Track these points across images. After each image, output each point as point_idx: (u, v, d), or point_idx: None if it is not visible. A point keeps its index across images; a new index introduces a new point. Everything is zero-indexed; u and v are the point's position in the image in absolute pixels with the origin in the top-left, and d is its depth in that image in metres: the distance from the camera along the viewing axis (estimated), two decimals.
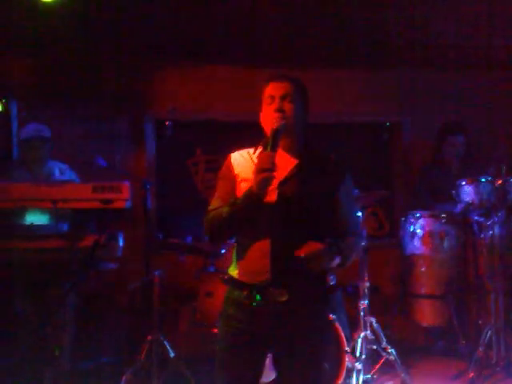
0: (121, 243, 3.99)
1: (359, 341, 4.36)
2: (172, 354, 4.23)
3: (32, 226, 3.89)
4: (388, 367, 4.46)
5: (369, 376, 4.31)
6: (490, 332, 4.42)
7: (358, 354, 4.30)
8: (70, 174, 4.69)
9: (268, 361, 2.53)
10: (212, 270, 4.47)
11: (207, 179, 5.76)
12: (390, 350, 4.41)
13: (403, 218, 5.13)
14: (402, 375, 4.39)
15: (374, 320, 4.46)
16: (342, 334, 4.00)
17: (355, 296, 4.51)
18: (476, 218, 4.60)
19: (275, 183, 2.39)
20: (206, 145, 5.78)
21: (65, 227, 3.94)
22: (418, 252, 4.95)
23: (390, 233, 5.97)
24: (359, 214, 4.23)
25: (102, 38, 5.29)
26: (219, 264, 4.44)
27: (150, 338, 4.21)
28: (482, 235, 4.58)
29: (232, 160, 2.58)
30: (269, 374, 2.62)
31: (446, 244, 4.89)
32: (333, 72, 5.77)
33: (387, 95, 5.89)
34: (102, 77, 5.45)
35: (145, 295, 4.32)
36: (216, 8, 5.13)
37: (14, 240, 3.78)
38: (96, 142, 5.38)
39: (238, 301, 2.48)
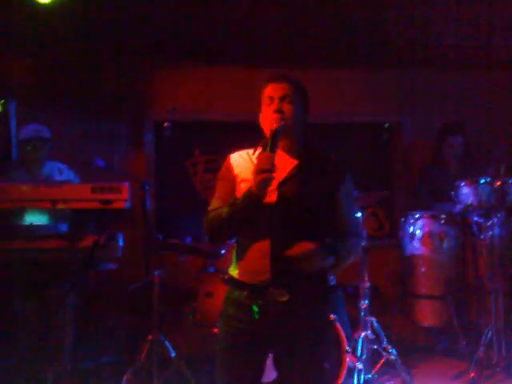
0: (120, 244, 4.00)
1: (360, 341, 4.37)
2: (172, 354, 4.24)
3: (31, 227, 3.90)
4: (388, 367, 4.46)
5: (369, 376, 4.31)
6: (490, 332, 4.42)
7: (358, 354, 4.31)
8: (69, 175, 4.69)
9: (269, 361, 2.54)
10: (212, 270, 4.47)
11: (206, 180, 5.76)
12: (390, 350, 4.41)
13: (403, 219, 5.13)
14: (403, 375, 4.39)
15: (374, 320, 4.46)
16: (343, 334, 4.00)
17: (355, 296, 4.51)
18: (475, 218, 4.59)
19: (275, 184, 2.39)
20: (204, 145, 5.79)
21: (64, 228, 3.95)
22: (417, 253, 4.95)
23: (390, 233, 5.96)
24: (359, 214, 4.23)
25: (101, 39, 5.29)
26: (219, 264, 4.44)
27: (150, 337, 4.21)
28: (482, 236, 4.57)
29: (231, 161, 2.58)
30: (269, 374, 2.62)
31: (445, 245, 4.89)
32: (333, 72, 5.78)
33: (387, 95, 5.89)
34: (102, 77, 5.47)
35: (145, 295, 4.32)
36: (216, 8, 5.12)
37: (13, 240, 3.78)
38: (95, 143, 5.39)
39: (238, 301, 2.48)
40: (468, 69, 5.90)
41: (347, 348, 4.01)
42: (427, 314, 4.96)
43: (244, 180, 2.48)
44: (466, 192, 4.57)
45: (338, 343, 3.98)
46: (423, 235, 4.92)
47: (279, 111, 2.46)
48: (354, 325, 4.42)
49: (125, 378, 4.13)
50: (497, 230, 4.46)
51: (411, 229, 4.97)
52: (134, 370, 4.16)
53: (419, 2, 5.33)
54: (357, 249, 2.64)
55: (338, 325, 3.96)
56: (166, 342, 4.24)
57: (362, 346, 4.35)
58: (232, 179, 2.53)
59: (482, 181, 4.49)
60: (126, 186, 3.70)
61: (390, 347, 4.42)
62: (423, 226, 4.94)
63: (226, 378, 2.50)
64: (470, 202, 4.54)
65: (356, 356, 4.24)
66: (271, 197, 2.40)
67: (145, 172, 5.47)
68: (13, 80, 5.27)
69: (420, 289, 4.94)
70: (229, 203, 2.43)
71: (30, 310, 4.12)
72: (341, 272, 2.79)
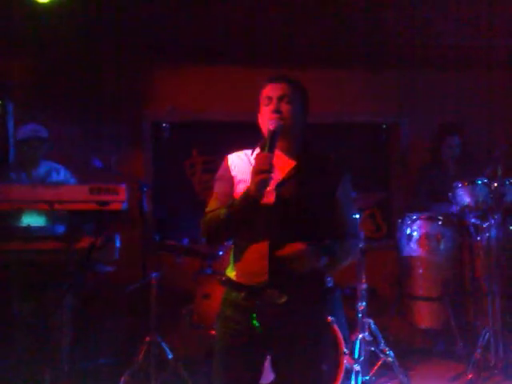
0: (117, 245, 4.00)
1: (357, 343, 4.37)
2: (170, 356, 4.25)
3: (29, 228, 3.90)
4: (386, 369, 4.48)
5: (367, 378, 4.32)
6: (487, 334, 4.43)
7: (356, 356, 4.31)
8: (65, 175, 4.69)
9: (266, 362, 2.54)
10: (209, 272, 4.47)
11: (204, 180, 5.76)
12: (387, 352, 4.42)
13: (400, 220, 5.13)
14: (400, 377, 4.40)
15: (371, 322, 4.46)
16: (340, 336, 4.00)
17: (353, 298, 4.51)
18: (472, 220, 4.60)
19: (273, 185, 2.39)
20: (203, 146, 5.78)
21: (61, 229, 3.95)
22: (414, 254, 4.96)
23: (388, 235, 5.96)
24: (357, 215, 4.23)
25: (101, 39, 5.28)
26: (216, 266, 4.45)
27: (147, 339, 4.22)
28: (479, 237, 4.58)
29: (229, 161, 2.58)
30: (267, 376, 2.62)
31: (442, 246, 4.89)
32: (332, 72, 5.77)
33: (387, 95, 5.89)
34: (101, 77, 5.46)
35: (142, 297, 4.32)
36: (216, 8, 5.11)
37: (10, 242, 3.78)
38: (94, 143, 5.38)
39: (235, 302, 2.48)
40: (468, 69, 5.90)
41: (345, 350, 4.01)
42: (424, 316, 4.97)
43: (242, 181, 2.47)
44: (463, 193, 4.57)
45: (336, 345, 3.98)
46: (420, 236, 4.93)
47: (277, 111, 2.45)
48: (352, 326, 4.42)
49: (122, 379, 4.15)
50: (494, 232, 4.46)
51: (408, 230, 4.99)
52: (131, 372, 4.18)
53: (419, 1, 5.32)
54: (355, 250, 2.64)
55: (336, 326, 3.96)
56: (163, 344, 4.26)
57: (359, 348, 4.37)
58: (230, 180, 2.53)
59: (479, 182, 4.49)
60: (123, 187, 3.69)
61: (387, 349, 4.44)
62: (420, 227, 4.95)
63: (223, 379, 2.50)
64: (466, 203, 4.54)
65: (353, 358, 4.25)
66: (269, 198, 2.40)
67: (143, 173, 5.46)
68: (12, 80, 5.26)
69: (417, 290, 4.95)
70: (227, 204, 2.42)
71: (27, 311, 4.12)
72: (338, 273, 2.79)
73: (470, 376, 4.35)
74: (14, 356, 4.08)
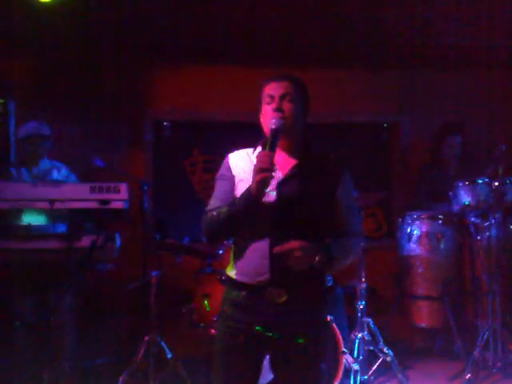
0: (118, 244, 3.99)
1: (356, 342, 4.37)
2: (169, 355, 4.25)
3: (29, 227, 3.90)
4: (385, 368, 4.48)
5: (366, 377, 4.32)
6: (486, 333, 4.43)
7: (355, 355, 4.31)
8: (68, 174, 4.69)
9: (265, 362, 2.54)
10: (209, 271, 4.47)
11: (205, 180, 5.77)
12: (386, 351, 4.42)
13: (400, 219, 5.13)
14: (399, 376, 4.40)
15: (371, 321, 4.47)
16: (339, 335, 4.01)
17: (352, 297, 4.52)
18: (473, 219, 4.60)
19: (274, 183, 2.39)
20: (203, 145, 5.79)
21: (62, 228, 3.94)
22: (414, 253, 4.95)
23: (388, 234, 5.97)
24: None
25: (101, 39, 5.28)
26: (216, 265, 4.45)
27: (147, 338, 4.22)
28: (479, 237, 4.58)
29: (230, 160, 2.57)
30: (266, 376, 2.62)
31: (442, 245, 4.89)
32: (333, 72, 5.77)
33: (387, 95, 5.89)
34: (101, 77, 5.46)
35: (143, 296, 4.32)
36: (216, 8, 5.11)
37: (11, 240, 3.78)
38: (94, 143, 5.39)
39: (235, 301, 2.47)
40: (468, 69, 5.90)
41: (344, 349, 4.02)
42: (424, 315, 4.96)
43: (243, 180, 2.47)
44: (463, 192, 4.57)
45: (335, 344, 3.99)
46: (420, 236, 4.92)
47: (279, 110, 2.45)
48: (351, 325, 4.43)
49: (121, 378, 4.14)
50: (494, 231, 4.47)
51: (409, 229, 4.98)
52: (130, 371, 4.17)
53: (419, 1, 5.32)
54: (356, 249, 2.60)
55: (335, 326, 3.97)
56: (163, 343, 4.25)
57: (358, 347, 4.37)
58: (231, 179, 2.52)
59: (480, 181, 4.49)
60: (124, 186, 3.70)
61: (386, 348, 4.43)
62: (420, 226, 4.95)
63: (222, 378, 2.49)
64: (467, 203, 4.55)
65: (353, 357, 4.24)
66: (270, 196, 2.39)
67: (143, 172, 5.47)
68: (12, 80, 5.27)
69: (417, 289, 4.94)
70: (227, 203, 2.42)
71: (27, 310, 4.13)
72: (338, 272, 2.79)
73: (468, 375, 4.34)
74: (14, 354, 4.08)
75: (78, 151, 5.25)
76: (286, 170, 2.47)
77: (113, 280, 4.71)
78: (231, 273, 2.53)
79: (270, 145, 2.35)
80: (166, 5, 5.05)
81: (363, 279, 4.46)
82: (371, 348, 4.42)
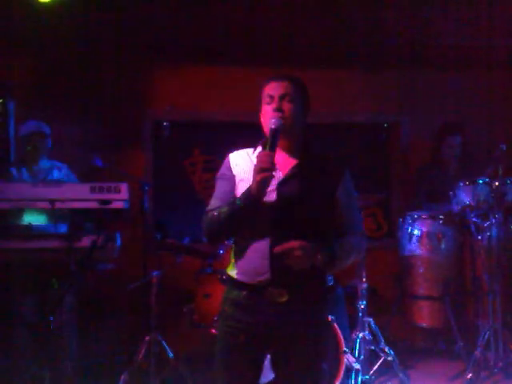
0: (118, 244, 3.99)
1: (357, 341, 4.37)
2: (170, 355, 4.25)
3: (30, 227, 3.90)
4: (386, 368, 4.48)
5: (367, 377, 4.32)
6: (487, 333, 4.43)
7: (356, 355, 4.31)
8: (68, 174, 4.69)
9: (266, 361, 2.54)
10: (210, 271, 4.48)
11: (205, 179, 5.77)
12: (388, 351, 4.42)
13: (401, 219, 5.13)
14: (400, 376, 4.41)
15: (372, 321, 4.47)
16: (340, 335, 4.01)
17: (353, 297, 4.52)
18: (473, 219, 4.59)
19: (274, 183, 2.39)
20: (203, 145, 5.79)
21: (63, 228, 3.94)
22: (415, 253, 4.96)
23: (389, 234, 5.97)
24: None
25: (101, 39, 5.28)
26: (217, 265, 4.45)
27: (147, 338, 4.22)
28: (480, 237, 4.58)
29: (231, 160, 2.58)
30: (267, 375, 2.62)
31: (443, 245, 4.89)
32: (333, 72, 5.77)
33: (387, 95, 5.89)
34: (101, 77, 5.45)
35: (143, 296, 4.32)
36: (216, 8, 5.12)
37: (11, 240, 3.78)
38: (94, 142, 5.38)
39: (236, 301, 2.48)
40: (468, 69, 5.90)
41: (345, 349, 4.02)
42: (425, 315, 4.97)
43: (243, 179, 2.47)
44: (464, 192, 4.57)
45: (336, 344, 3.99)
46: (421, 236, 4.92)
47: (279, 110, 2.45)
48: (352, 325, 4.43)
49: (122, 378, 4.14)
50: (495, 231, 4.47)
51: (409, 229, 4.98)
52: (131, 371, 4.17)
53: (419, 1, 5.32)
54: (358, 247, 2.58)
55: (336, 325, 3.97)
56: (164, 343, 4.25)
57: (359, 347, 4.37)
58: (231, 179, 2.53)
59: (481, 181, 4.49)
60: (124, 185, 3.69)
61: (387, 348, 4.44)
62: (421, 226, 4.95)
63: (224, 378, 2.50)
64: (468, 203, 4.55)
65: (354, 356, 4.24)
66: (271, 196, 2.40)
67: (143, 172, 5.47)
68: (12, 80, 5.26)
69: (418, 289, 4.95)
70: (228, 203, 2.42)
71: (28, 309, 4.12)
72: (339, 272, 2.79)
73: (469, 375, 4.35)
74: (15, 354, 4.08)
75: (77, 151, 5.24)
76: (287, 170, 2.48)
77: (113, 280, 4.70)
78: (232, 272, 2.53)
79: (270, 145, 2.35)
80: (165, 5, 5.05)
81: (364, 279, 4.47)
82: (372, 348, 4.43)
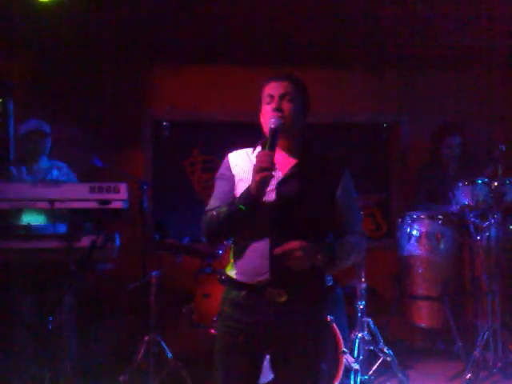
0: (117, 244, 3.99)
1: (356, 342, 4.37)
2: (169, 355, 4.25)
3: (29, 227, 3.89)
4: (385, 368, 4.48)
5: (366, 377, 4.32)
6: (486, 333, 4.43)
7: (355, 355, 4.31)
8: (68, 173, 4.69)
9: (265, 362, 2.54)
10: (209, 271, 4.48)
11: (204, 179, 5.77)
12: (387, 351, 4.42)
13: (400, 219, 5.13)
14: (399, 376, 4.41)
15: (371, 321, 4.47)
16: (340, 335, 4.01)
17: (352, 297, 4.52)
18: (472, 219, 4.59)
19: (274, 183, 2.39)
20: (202, 145, 5.80)
21: (62, 228, 3.94)
22: (414, 253, 4.96)
23: (388, 234, 5.97)
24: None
25: (101, 38, 5.28)
26: (216, 265, 4.45)
27: (147, 338, 4.22)
28: (479, 237, 4.58)
29: (230, 160, 2.58)
30: (267, 375, 2.62)
31: (442, 245, 4.89)
32: (333, 72, 5.77)
33: (387, 95, 5.90)
34: (101, 77, 5.46)
35: (143, 296, 4.32)
36: (216, 8, 5.11)
37: (11, 240, 3.77)
38: (94, 143, 5.38)
39: (235, 301, 2.48)
40: (468, 69, 5.90)
41: (344, 349, 4.02)
42: (424, 315, 4.97)
43: (243, 179, 2.47)
44: (463, 192, 4.57)
45: (335, 344, 3.99)
46: (420, 236, 4.93)
47: (279, 109, 2.45)
48: (351, 325, 4.43)
49: (121, 378, 4.15)
50: (494, 231, 4.47)
51: (408, 229, 4.98)
52: (130, 371, 4.18)
53: (419, 1, 5.32)
54: (358, 248, 2.57)
55: (335, 325, 3.97)
56: (163, 343, 4.25)
57: (358, 347, 4.37)
58: (230, 178, 2.53)
59: (480, 181, 4.49)
60: (124, 185, 3.69)
61: (386, 348, 4.44)
62: (420, 226, 4.95)
63: (223, 378, 2.50)
64: (467, 203, 4.55)
65: (353, 357, 4.24)
66: (270, 196, 2.40)
67: (143, 172, 5.47)
68: (12, 80, 5.26)
69: (417, 290, 4.95)
70: (227, 202, 2.42)
71: (28, 310, 4.12)
72: (338, 272, 2.78)
73: (468, 375, 4.35)
74: (14, 354, 4.08)
75: (77, 151, 5.24)
76: (286, 170, 2.48)
77: (113, 280, 4.70)
78: (231, 272, 2.53)
79: (270, 144, 2.35)
80: (166, 5, 5.04)
81: (363, 279, 4.46)
82: (371, 348, 4.43)
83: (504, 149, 4.39)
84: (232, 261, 2.56)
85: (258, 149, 2.51)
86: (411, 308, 5.02)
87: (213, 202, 2.53)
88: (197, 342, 4.45)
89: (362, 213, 4.45)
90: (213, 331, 4.06)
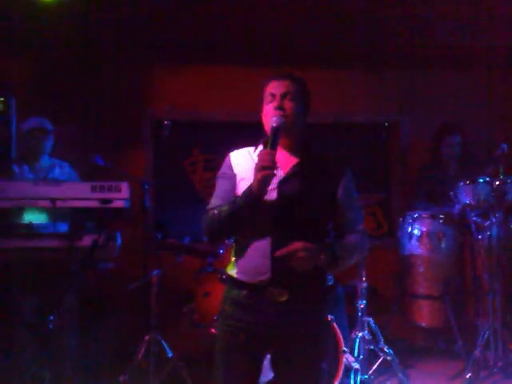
0: (119, 243, 3.99)
1: (357, 341, 4.37)
2: (170, 354, 4.25)
3: (30, 226, 3.90)
4: (386, 367, 4.48)
5: (366, 376, 4.31)
6: (487, 333, 4.43)
7: (355, 354, 4.31)
8: (70, 172, 4.69)
9: (266, 361, 2.54)
10: (210, 270, 4.47)
11: (205, 179, 5.77)
12: (387, 351, 4.42)
13: (401, 219, 5.13)
14: (400, 375, 4.40)
15: (371, 320, 4.47)
16: (340, 334, 4.00)
17: (353, 296, 4.52)
18: (474, 218, 4.59)
19: (275, 182, 2.39)
20: (203, 144, 5.80)
21: (63, 227, 3.94)
22: (415, 252, 4.95)
23: (389, 233, 5.97)
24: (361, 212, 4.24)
25: (101, 38, 5.29)
26: (217, 264, 4.45)
27: (147, 337, 4.22)
28: (480, 236, 4.57)
29: (232, 159, 2.58)
30: (267, 374, 2.62)
31: (443, 245, 4.89)
32: (333, 72, 5.77)
33: (387, 95, 5.89)
34: (101, 77, 5.46)
35: (143, 295, 4.32)
36: (216, 8, 5.12)
37: (12, 239, 3.78)
38: (95, 142, 5.38)
39: (236, 300, 2.48)
40: (468, 69, 5.90)
41: (344, 348, 4.01)
42: (425, 314, 4.96)
43: (244, 178, 2.47)
44: (464, 191, 4.57)
45: (335, 343, 3.99)
46: (421, 235, 4.92)
47: (280, 108, 2.45)
48: (352, 325, 4.43)
49: (122, 377, 4.14)
50: (495, 230, 4.47)
51: (409, 228, 4.98)
52: (131, 370, 4.18)
53: (419, 1, 5.33)
54: (361, 247, 2.56)
55: (335, 325, 3.97)
56: (164, 342, 4.25)
57: (359, 346, 4.36)
58: (232, 177, 2.53)
59: (481, 180, 4.49)
60: (125, 185, 3.70)
61: (386, 347, 4.44)
62: (421, 225, 4.94)
63: (223, 377, 2.50)
64: (468, 202, 4.55)
65: (353, 356, 4.24)
66: (271, 195, 2.40)
67: (144, 171, 5.47)
68: (13, 80, 5.26)
69: (418, 289, 4.94)
70: (229, 201, 2.42)
71: (28, 309, 4.12)
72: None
73: (469, 375, 4.34)
74: (13, 356, 4.07)
75: (78, 151, 5.24)
76: (287, 169, 2.48)
77: (114, 279, 4.70)
78: (232, 272, 2.53)
79: (272, 143, 2.35)
80: (166, 5, 5.05)
81: (364, 278, 4.46)
82: (372, 347, 4.42)
83: (506, 148, 4.39)
84: (233, 260, 2.55)
85: (260, 147, 2.51)
86: (412, 307, 5.02)
87: (214, 201, 2.53)
88: (197, 342, 4.45)
89: (363, 212, 4.46)
90: (213, 331, 4.05)
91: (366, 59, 5.74)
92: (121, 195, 3.65)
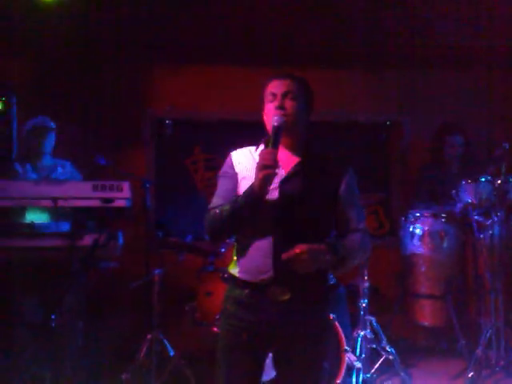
0: (120, 242, 3.99)
1: (359, 340, 4.37)
2: (172, 353, 4.25)
3: (32, 225, 3.89)
4: (387, 366, 4.48)
5: (368, 375, 4.32)
6: (489, 332, 4.43)
7: (357, 353, 4.31)
8: (72, 171, 4.69)
9: (268, 360, 2.53)
10: (211, 269, 4.47)
11: (207, 178, 5.77)
12: (389, 350, 4.42)
13: (403, 218, 5.13)
14: (402, 374, 4.41)
15: (373, 319, 4.47)
16: (342, 333, 4.00)
17: (355, 295, 4.52)
18: (476, 217, 4.59)
19: (277, 181, 2.39)
20: (204, 143, 5.80)
21: (65, 226, 3.94)
22: (417, 252, 4.96)
23: (391, 232, 5.97)
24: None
25: (101, 38, 5.29)
26: (219, 263, 4.45)
27: (149, 336, 4.22)
28: (482, 235, 4.58)
29: (233, 158, 2.57)
30: (269, 373, 2.62)
31: (445, 244, 4.89)
32: (333, 72, 5.76)
33: (387, 95, 5.89)
34: (101, 77, 5.46)
35: (145, 294, 4.32)
36: (216, 8, 5.12)
37: (14, 238, 3.78)
38: (96, 141, 5.39)
39: (238, 299, 2.47)
40: (468, 69, 5.90)
41: (346, 347, 4.01)
42: (427, 314, 4.97)
43: (246, 177, 2.47)
44: (466, 190, 4.58)
45: (337, 342, 3.98)
46: (423, 234, 4.93)
47: (281, 107, 2.45)
48: (354, 324, 4.43)
49: (124, 376, 4.14)
50: (497, 229, 4.47)
51: (411, 228, 4.98)
52: (133, 369, 4.18)
53: (419, 1, 5.33)
54: (364, 246, 2.54)
55: (337, 324, 3.96)
56: (166, 341, 4.25)
57: (361, 345, 4.37)
58: (233, 176, 2.52)
59: (483, 179, 4.49)
60: (126, 184, 3.70)
61: (388, 346, 4.44)
62: (423, 224, 4.95)
63: (226, 376, 2.49)
64: (470, 201, 4.55)
65: (355, 355, 4.24)
66: (273, 194, 2.39)
67: (145, 171, 5.47)
68: (13, 80, 5.26)
69: (420, 288, 4.95)
70: (230, 200, 2.42)
71: (30, 308, 4.12)
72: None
73: (471, 374, 4.34)
74: (13, 356, 4.07)
75: (78, 151, 5.24)
76: (289, 168, 2.48)
77: (116, 278, 4.71)
78: (234, 271, 2.53)
79: (273, 142, 2.35)
80: (165, 5, 5.06)
81: (366, 278, 4.46)
82: (374, 346, 4.42)
83: (507, 147, 4.39)
84: (235, 259, 2.55)
85: (261, 147, 2.50)
86: (414, 306, 5.02)
87: (216, 200, 2.52)
88: (199, 340, 4.44)
89: (364, 211, 4.46)
90: (215, 329, 4.06)
91: (366, 59, 5.74)
92: (122, 194, 3.65)
